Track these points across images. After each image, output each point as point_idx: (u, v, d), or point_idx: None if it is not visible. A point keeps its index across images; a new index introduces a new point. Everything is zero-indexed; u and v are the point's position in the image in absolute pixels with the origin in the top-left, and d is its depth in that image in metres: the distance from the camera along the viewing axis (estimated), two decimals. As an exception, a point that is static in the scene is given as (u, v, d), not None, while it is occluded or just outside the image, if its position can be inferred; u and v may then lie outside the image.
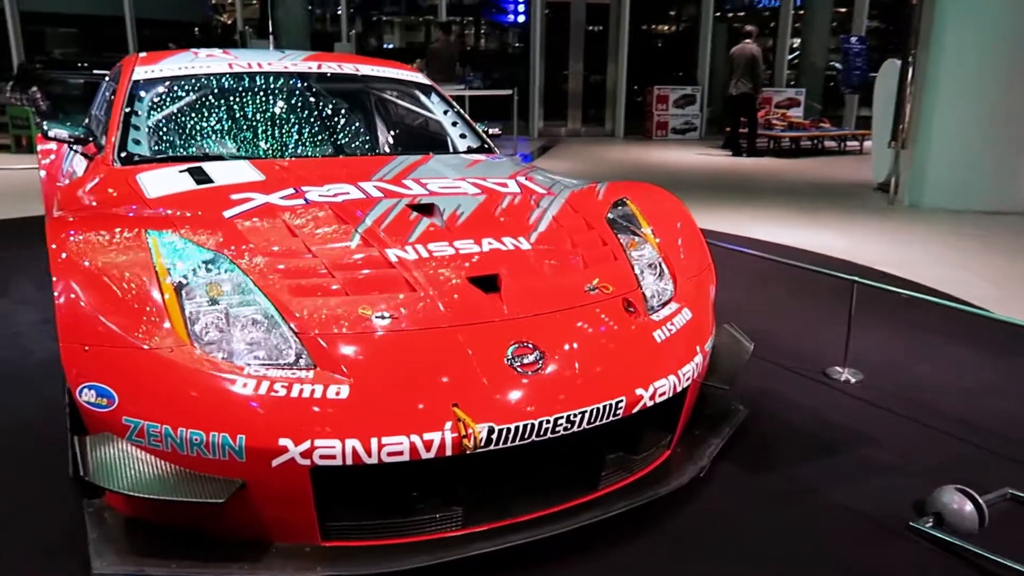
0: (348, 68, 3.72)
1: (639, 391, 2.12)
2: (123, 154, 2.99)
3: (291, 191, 2.56)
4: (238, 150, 3.20)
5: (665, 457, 2.39)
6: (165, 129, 3.21)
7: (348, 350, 1.95)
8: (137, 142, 3.10)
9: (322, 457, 1.80)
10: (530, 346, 2.08)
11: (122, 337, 1.89)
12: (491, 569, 1.98)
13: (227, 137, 3.24)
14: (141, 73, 3.35)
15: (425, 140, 3.81)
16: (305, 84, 3.54)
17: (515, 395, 1.96)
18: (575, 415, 1.99)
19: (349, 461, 1.80)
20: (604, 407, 2.04)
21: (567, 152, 12.86)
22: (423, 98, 3.91)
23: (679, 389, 2.25)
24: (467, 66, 13.02)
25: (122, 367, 1.87)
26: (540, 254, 2.42)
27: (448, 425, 1.86)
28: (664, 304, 2.49)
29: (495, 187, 2.85)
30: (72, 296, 1.93)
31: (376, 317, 2.03)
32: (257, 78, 3.47)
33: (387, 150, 3.48)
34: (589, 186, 3.00)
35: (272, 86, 3.48)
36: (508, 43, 20.68)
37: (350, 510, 1.93)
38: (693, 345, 2.40)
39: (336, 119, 3.49)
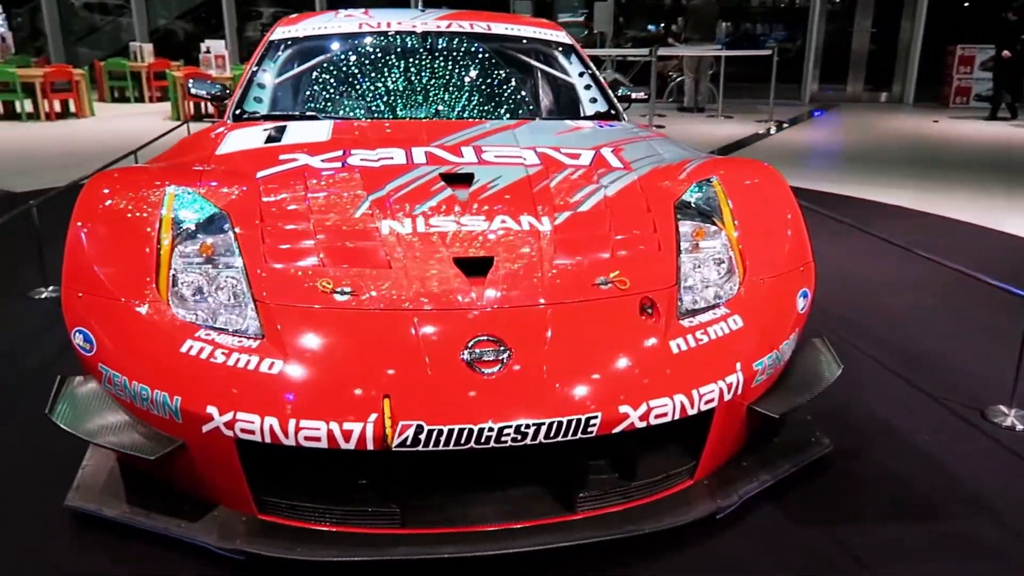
0: (480, 27, 3.59)
1: (624, 408, 1.80)
2: (238, 111, 3.17)
3: (339, 153, 2.53)
4: (340, 110, 3.25)
5: (682, 487, 2.03)
6: (283, 88, 3.34)
7: (293, 325, 1.87)
8: (259, 100, 3.27)
9: (243, 431, 1.75)
10: (496, 341, 1.85)
11: (107, 287, 1.98)
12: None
13: (335, 97, 3.30)
14: (279, 33, 3.52)
15: (551, 103, 3.58)
16: (429, 44, 3.49)
17: (459, 394, 1.76)
18: (528, 426, 1.73)
19: (268, 439, 1.74)
20: (569, 422, 1.76)
21: (829, 121, 11.56)
22: (561, 58, 3.67)
23: (693, 411, 1.89)
24: (729, 23, 12.15)
25: (102, 316, 1.97)
26: (559, 238, 2.14)
27: (372, 417, 1.72)
28: (709, 308, 2.10)
29: (564, 158, 2.58)
30: (78, 244, 2.06)
31: (336, 293, 1.93)
32: (382, 38, 3.48)
33: (492, 113, 3.31)
34: (681, 162, 2.61)
35: (394, 46, 3.47)
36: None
37: (285, 487, 1.88)
38: (733, 361, 1.99)
39: (448, 80, 3.40)
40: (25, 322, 3.34)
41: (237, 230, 2.09)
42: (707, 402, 1.91)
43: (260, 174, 2.37)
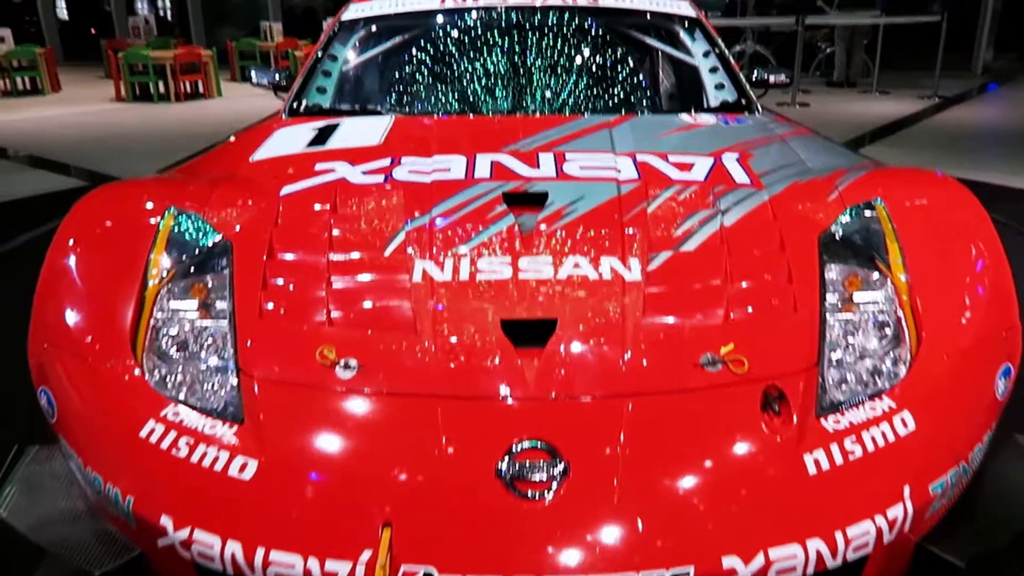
0: (584, 0, 2.99)
1: (731, 561, 1.22)
2: (295, 104, 2.74)
3: (386, 163, 2.03)
4: (408, 102, 2.76)
5: None
6: (349, 77, 2.89)
7: (280, 410, 1.40)
8: (322, 91, 2.83)
9: (201, 555, 1.31)
10: (548, 450, 1.31)
11: (74, 339, 1.58)
12: None
13: (403, 87, 2.81)
14: (351, 12, 3.05)
15: (667, 91, 2.95)
16: (519, 21, 2.91)
17: (491, 529, 1.24)
18: None
19: (230, 570, 1.29)
20: None
21: (1006, 97, 10.08)
22: (683, 36, 3.02)
23: (836, 562, 1.28)
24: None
25: (66, 376, 1.57)
26: (651, 292, 1.56)
27: (365, 556, 1.23)
28: (865, 399, 1.47)
29: (671, 170, 1.97)
30: (51, 282, 1.67)
31: (340, 366, 1.44)
32: (464, 16, 2.94)
33: (590, 105, 2.71)
34: (831, 175, 1.94)
35: (478, 25, 2.92)
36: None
37: None
38: (899, 483, 1.36)
39: (540, 65, 2.81)
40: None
41: (236, 268, 1.64)
42: (857, 548, 1.30)
43: (285, 190, 1.90)
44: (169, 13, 21.18)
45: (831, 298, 1.60)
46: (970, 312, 1.61)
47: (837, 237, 1.71)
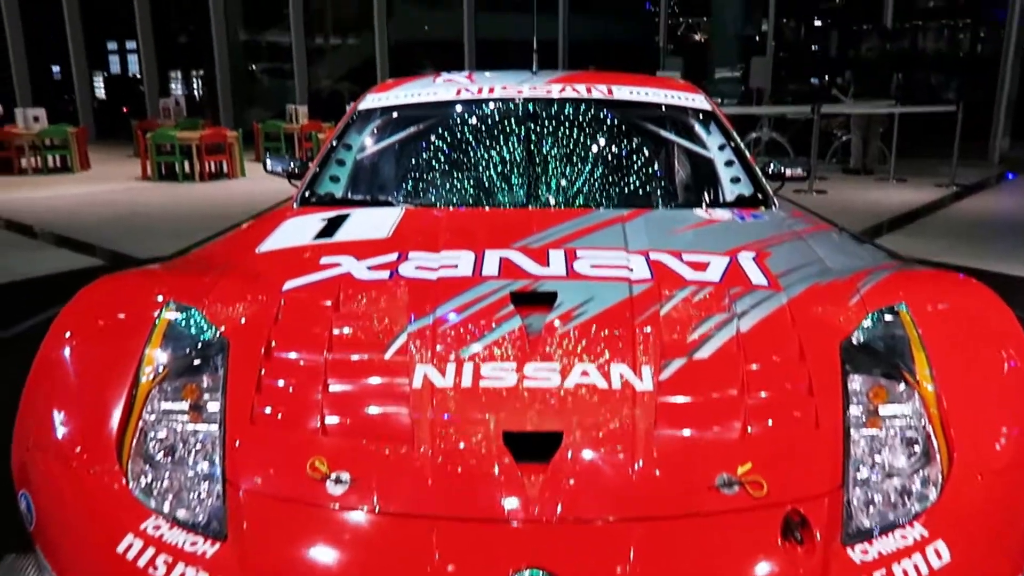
0: (599, 91, 3.00)
1: None
2: (307, 193, 2.74)
3: (392, 257, 1.99)
4: (420, 194, 2.76)
5: None
6: (364, 166, 2.89)
7: (265, 526, 1.32)
8: (335, 180, 2.83)
9: None
10: (550, 581, 1.21)
11: (57, 442, 1.52)
12: None
13: (416, 178, 2.80)
14: (368, 102, 3.08)
15: (681, 185, 2.92)
16: (534, 113, 2.92)
17: None
18: None
19: None
20: None
21: (1014, 190, 10.04)
22: (697, 128, 3.01)
23: None
24: (900, 75, 10.93)
25: (47, 479, 1.51)
26: (664, 404, 1.48)
27: None
28: (893, 525, 1.36)
29: (685, 270, 1.92)
30: (40, 379, 1.63)
31: (332, 480, 1.36)
32: (479, 107, 2.96)
33: (603, 198, 2.68)
34: (851, 277, 1.87)
35: (493, 116, 2.93)
36: (961, 45, 17.27)
37: None
38: None
39: (553, 157, 2.80)
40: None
41: (231, 368, 1.59)
42: None
43: (288, 285, 1.86)
44: (200, 93, 21.91)
45: (855, 411, 1.52)
46: (1004, 427, 1.52)
47: (860, 345, 1.64)
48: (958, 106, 9.54)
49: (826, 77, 15.26)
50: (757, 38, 15.93)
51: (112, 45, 21.92)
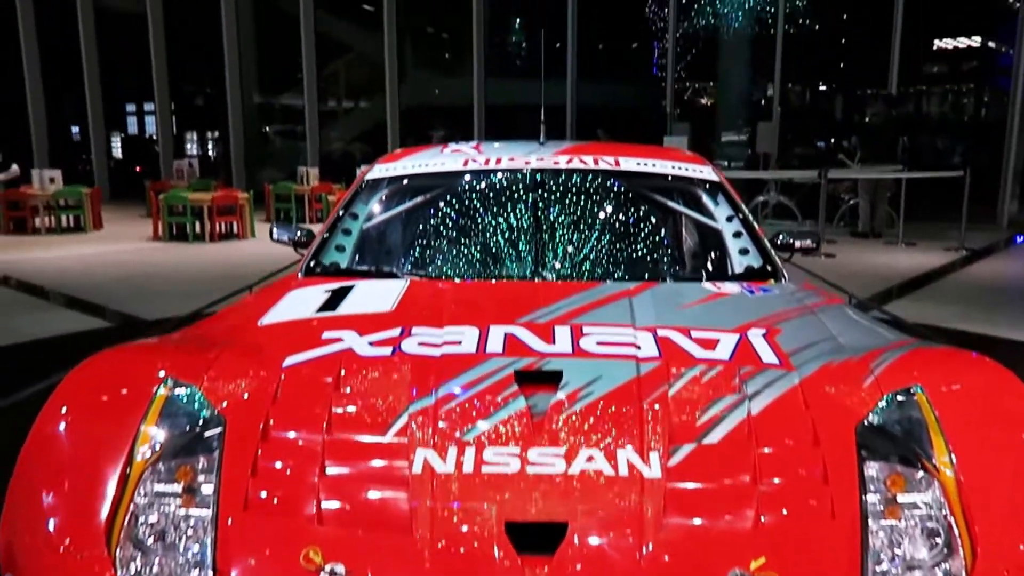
0: (606, 162, 3.01)
1: None
2: (312, 263, 2.73)
3: (395, 332, 1.96)
4: (425, 265, 2.74)
5: None
6: (370, 237, 2.89)
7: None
8: (340, 249, 2.82)
9: None
10: None
11: (46, 525, 1.47)
12: None
13: (421, 250, 2.79)
14: (376, 171, 3.10)
15: (689, 257, 2.90)
16: (540, 184, 2.92)
17: None
18: None
19: None
20: None
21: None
22: (705, 199, 3.01)
23: None
24: (905, 138, 11.00)
25: (33, 566, 1.46)
26: (673, 490, 1.43)
27: None
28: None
29: (693, 348, 1.88)
30: (31, 459, 1.59)
31: (325, 573, 1.31)
32: (486, 177, 2.97)
33: (610, 271, 2.66)
34: (865, 356, 1.83)
35: (499, 187, 2.93)
36: (966, 109, 17.46)
37: None
38: None
39: (559, 229, 2.79)
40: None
41: (227, 450, 1.54)
42: None
43: (288, 361, 1.83)
44: (214, 154, 22.31)
45: (872, 500, 1.46)
46: (1026, 519, 1.45)
47: (876, 428, 1.58)
48: (965, 171, 9.58)
49: (832, 141, 15.43)
50: (763, 102, 16.16)
51: (131, 107, 22.43)
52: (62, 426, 1.62)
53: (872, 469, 1.51)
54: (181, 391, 1.67)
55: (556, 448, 1.50)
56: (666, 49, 15.46)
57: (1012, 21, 12.81)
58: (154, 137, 18.08)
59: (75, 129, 19.67)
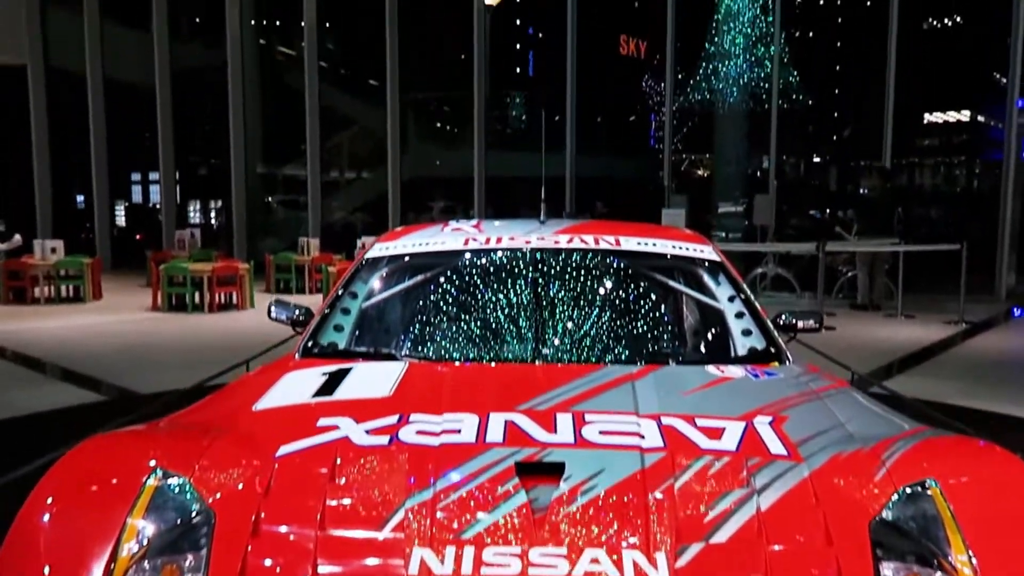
0: (607, 241, 3.01)
1: None
2: (310, 343, 2.70)
3: (393, 420, 1.92)
4: (424, 348, 2.71)
5: None
6: (369, 317, 2.86)
7: None
8: (339, 329, 2.79)
9: None
10: None
11: None
12: None
13: (420, 331, 2.77)
14: (376, 250, 3.10)
15: (691, 338, 2.88)
16: (540, 264, 2.91)
17: None
18: None
19: None
20: None
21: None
22: (706, 279, 3.00)
23: None
24: (900, 210, 11.07)
25: None
26: (682, 595, 1.37)
27: None
28: None
29: (699, 437, 1.83)
30: (15, 547, 1.54)
31: None
32: (485, 257, 2.96)
33: (611, 354, 2.62)
34: (875, 446, 1.79)
35: (499, 267, 2.92)
36: (958, 181, 17.71)
37: None
38: None
39: (560, 311, 2.76)
40: None
41: (214, 548, 1.49)
42: None
43: (281, 451, 1.78)
44: (217, 222, 22.49)
45: None
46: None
47: (890, 525, 1.53)
48: (962, 245, 9.63)
49: (827, 212, 15.58)
50: (759, 174, 16.39)
51: (135, 175, 22.71)
52: (46, 517, 1.57)
53: (888, 569, 1.45)
54: (172, 481, 1.63)
55: (558, 548, 1.45)
56: (663, 122, 15.76)
57: (1000, 96, 13.11)
58: (158, 206, 18.23)
59: (79, 198, 19.87)
